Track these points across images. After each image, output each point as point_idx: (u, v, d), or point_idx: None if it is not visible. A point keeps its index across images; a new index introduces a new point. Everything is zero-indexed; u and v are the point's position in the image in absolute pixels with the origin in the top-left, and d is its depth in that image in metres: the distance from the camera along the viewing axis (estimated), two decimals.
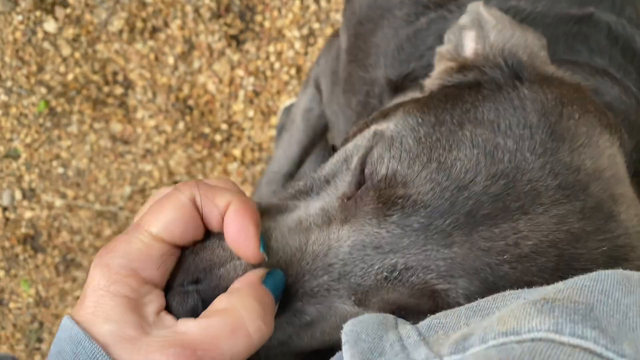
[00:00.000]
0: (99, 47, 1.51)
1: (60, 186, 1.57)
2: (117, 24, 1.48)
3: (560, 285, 0.29)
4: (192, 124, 1.49)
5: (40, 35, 1.53)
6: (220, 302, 0.37)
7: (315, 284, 0.40)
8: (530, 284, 0.35)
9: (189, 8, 1.45)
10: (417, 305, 0.38)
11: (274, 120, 1.48)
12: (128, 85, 1.51)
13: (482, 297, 0.34)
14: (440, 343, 0.29)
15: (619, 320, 0.26)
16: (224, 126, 1.50)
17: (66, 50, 1.53)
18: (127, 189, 1.54)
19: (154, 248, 0.39)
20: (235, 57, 1.46)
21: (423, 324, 0.33)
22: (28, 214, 1.58)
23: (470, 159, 0.37)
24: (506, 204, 0.36)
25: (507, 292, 0.32)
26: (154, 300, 0.38)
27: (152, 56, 1.48)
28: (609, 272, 0.30)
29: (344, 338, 0.33)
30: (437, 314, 0.34)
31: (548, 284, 0.33)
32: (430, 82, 0.51)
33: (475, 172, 0.37)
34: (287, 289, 0.40)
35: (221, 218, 0.40)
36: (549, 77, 0.45)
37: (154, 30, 1.48)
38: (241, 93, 1.49)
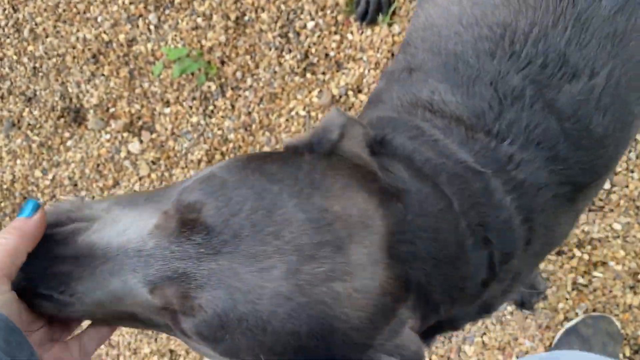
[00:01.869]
0: (176, 171, 1.63)
1: None
2: (197, 153, 1.61)
3: None
4: None
5: (123, 154, 1.65)
6: None
7: (127, 261, 0.50)
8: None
9: (267, 149, 1.59)
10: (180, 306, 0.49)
11: None
12: None
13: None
14: None
15: None
16: None
17: (144, 171, 1.64)
18: None
19: None
20: None
21: None
22: None
23: (244, 196, 0.50)
24: (261, 229, 0.48)
25: None
26: None
27: None
28: None
29: None
30: None
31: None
32: None
33: (243, 205, 0.49)
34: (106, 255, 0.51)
35: None
36: (348, 153, 0.57)
37: None
38: None
